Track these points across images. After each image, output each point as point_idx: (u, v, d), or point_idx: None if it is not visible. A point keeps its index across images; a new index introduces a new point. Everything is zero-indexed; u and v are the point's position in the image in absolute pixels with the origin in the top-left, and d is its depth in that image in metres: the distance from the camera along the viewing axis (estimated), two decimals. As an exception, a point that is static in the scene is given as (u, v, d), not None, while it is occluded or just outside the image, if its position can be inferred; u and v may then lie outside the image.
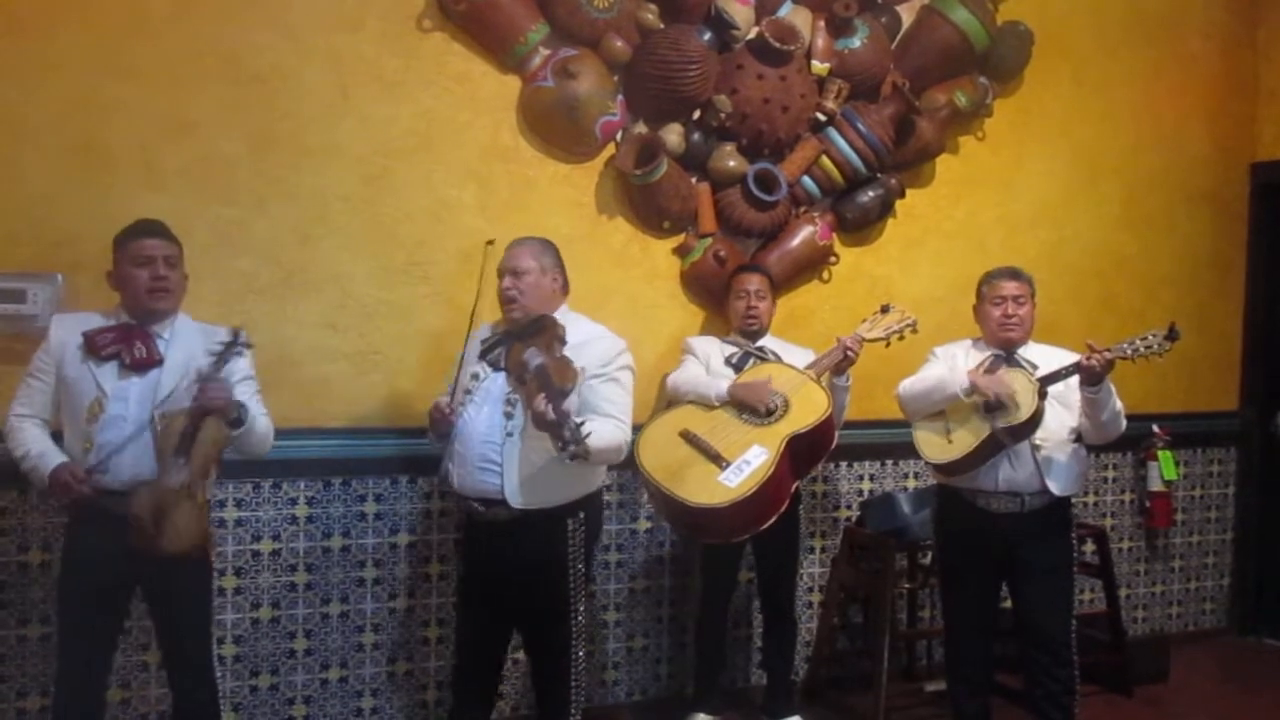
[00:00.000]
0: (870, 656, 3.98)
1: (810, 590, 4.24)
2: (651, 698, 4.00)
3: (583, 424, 2.61)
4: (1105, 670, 4.24)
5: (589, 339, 2.96)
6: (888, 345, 3.63)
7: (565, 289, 3.08)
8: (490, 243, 3.14)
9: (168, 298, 2.77)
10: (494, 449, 2.88)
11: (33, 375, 2.77)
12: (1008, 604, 3.51)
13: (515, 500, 2.86)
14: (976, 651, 3.42)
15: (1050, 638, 3.28)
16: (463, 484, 2.95)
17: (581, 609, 3.00)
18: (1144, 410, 4.61)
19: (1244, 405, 5.08)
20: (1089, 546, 4.31)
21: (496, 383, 2.94)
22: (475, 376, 2.99)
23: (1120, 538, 4.81)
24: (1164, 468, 4.73)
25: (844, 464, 4.28)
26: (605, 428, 2.84)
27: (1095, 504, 4.76)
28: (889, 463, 4.36)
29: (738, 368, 3.57)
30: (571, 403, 2.76)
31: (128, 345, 2.71)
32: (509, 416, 2.88)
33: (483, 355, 3.01)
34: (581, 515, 2.97)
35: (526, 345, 2.78)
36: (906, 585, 4.17)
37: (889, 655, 3.83)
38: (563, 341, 2.82)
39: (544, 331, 2.82)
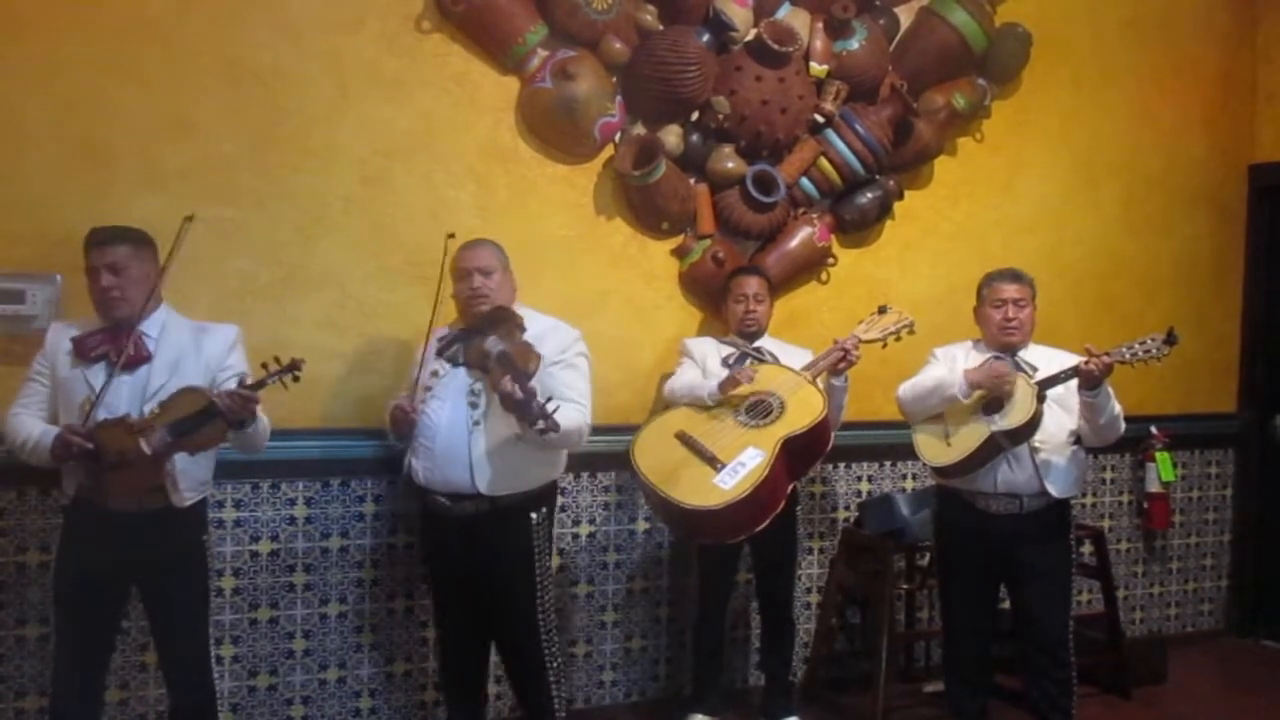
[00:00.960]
0: (868, 657, 3.99)
1: (808, 591, 4.24)
2: (649, 698, 4.00)
3: (549, 401, 2.76)
4: (1103, 671, 4.25)
5: (546, 330, 3.10)
6: (884, 346, 3.63)
7: (515, 288, 3.22)
8: (451, 236, 3.19)
9: (119, 304, 2.74)
10: (461, 440, 2.97)
11: (31, 378, 2.82)
12: (1006, 605, 3.52)
13: (485, 488, 2.95)
14: (975, 652, 3.43)
15: (1048, 639, 3.29)
16: (429, 479, 3.03)
17: (550, 602, 3.09)
18: (1142, 412, 4.61)
19: (1242, 407, 5.09)
20: (1087, 547, 4.31)
21: (457, 378, 3.05)
22: (435, 374, 3.08)
23: (1118, 539, 4.81)
24: (1162, 469, 4.73)
25: (842, 465, 4.28)
26: (567, 410, 2.95)
27: (1093, 505, 4.76)
28: (887, 464, 4.36)
29: (734, 369, 3.57)
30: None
31: (115, 345, 2.72)
32: (474, 407, 2.99)
33: (440, 353, 3.10)
34: (544, 509, 3.09)
35: (485, 337, 2.92)
36: (905, 586, 4.17)
37: (887, 656, 3.84)
38: (522, 329, 2.98)
39: (503, 322, 2.97)
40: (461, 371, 3.04)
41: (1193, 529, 5.01)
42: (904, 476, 4.38)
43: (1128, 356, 3.08)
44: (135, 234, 2.81)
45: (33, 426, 2.72)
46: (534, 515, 3.05)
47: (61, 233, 3.17)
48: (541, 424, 2.73)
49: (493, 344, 2.89)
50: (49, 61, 3.18)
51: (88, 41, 3.21)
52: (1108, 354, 3.06)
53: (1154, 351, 3.07)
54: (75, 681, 2.76)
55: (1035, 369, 3.27)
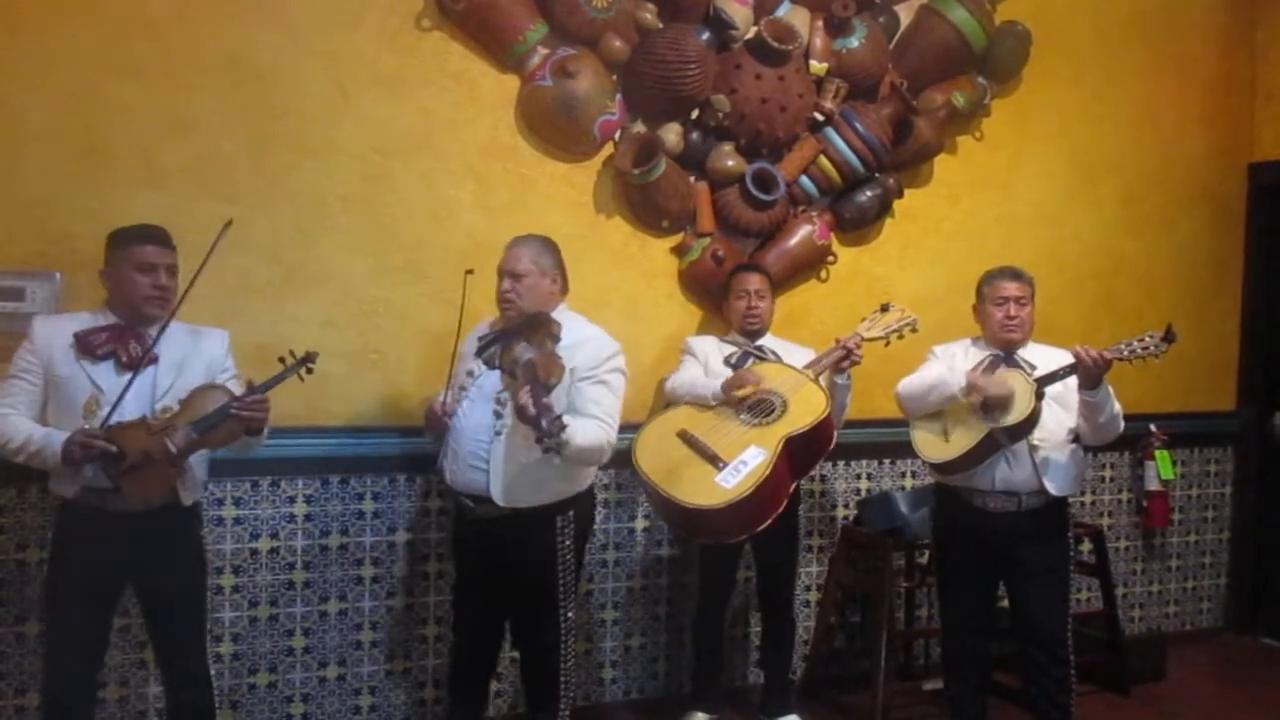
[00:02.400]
0: (868, 655, 3.99)
1: (808, 589, 4.25)
2: (649, 696, 4.00)
3: (560, 417, 2.64)
4: (1102, 669, 4.25)
5: (583, 340, 3.00)
6: (887, 344, 3.63)
7: (564, 289, 3.11)
8: (470, 272, 3.11)
9: (165, 306, 2.76)
10: (483, 446, 2.93)
11: (17, 375, 2.71)
12: (1005, 603, 3.52)
13: (500, 498, 2.91)
14: (974, 650, 3.42)
15: (1047, 637, 3.29)
16: (454, 480, 3.01)
17: (571, 606, 3.04)
18: (1141, 410, 4.61)
19: (1241, 405, 5.09)
20: (1086, 546, 4.32)
21: (489, 380, 2.99)
22: (471, 374, 3.04)
23: (1117, 537, 4.81)
24: (1161, 467, 4.73)
25: (841, 463, 4.28)
26: (588, 427, 2.87)
27: (1092, 503, 4.76)
28: (886, 462, 4.36)
29: (736, 368, 3.56)
30: (559, 401, 2.80)
31: (122, 344, 2.71)
32: (498, 415, 2.94)
33: (479, 353, 3.04)
34: (570, 513, 3.01)
35: (520, 341, 2.83)
36: (904, 584, 4.18)
37: (886, 654, 3.83)
38: (556, 339, 2.85)
39: (539, 328, 2.86)
40: (495, 375, 2.97)
41: (1192, 527, 5.02)
42: (903, 474, 4.38)
43: (1126, 354, 3.07)
44: None
45: (30, 428, 2.65)
46: (559, 519, 2.99)
47: (60, 230, 3.18)
48: (547, 442, 2.62)
49: (523, 350, 2.80)
50: (48, 59, 3.18)
51: (86, 39, 3.21)
52: (1106, 351, 3.06)
53: (1152, 349, 3.06)
54: (71, 680, 2.74)
55: (1034, 367, 3.26)
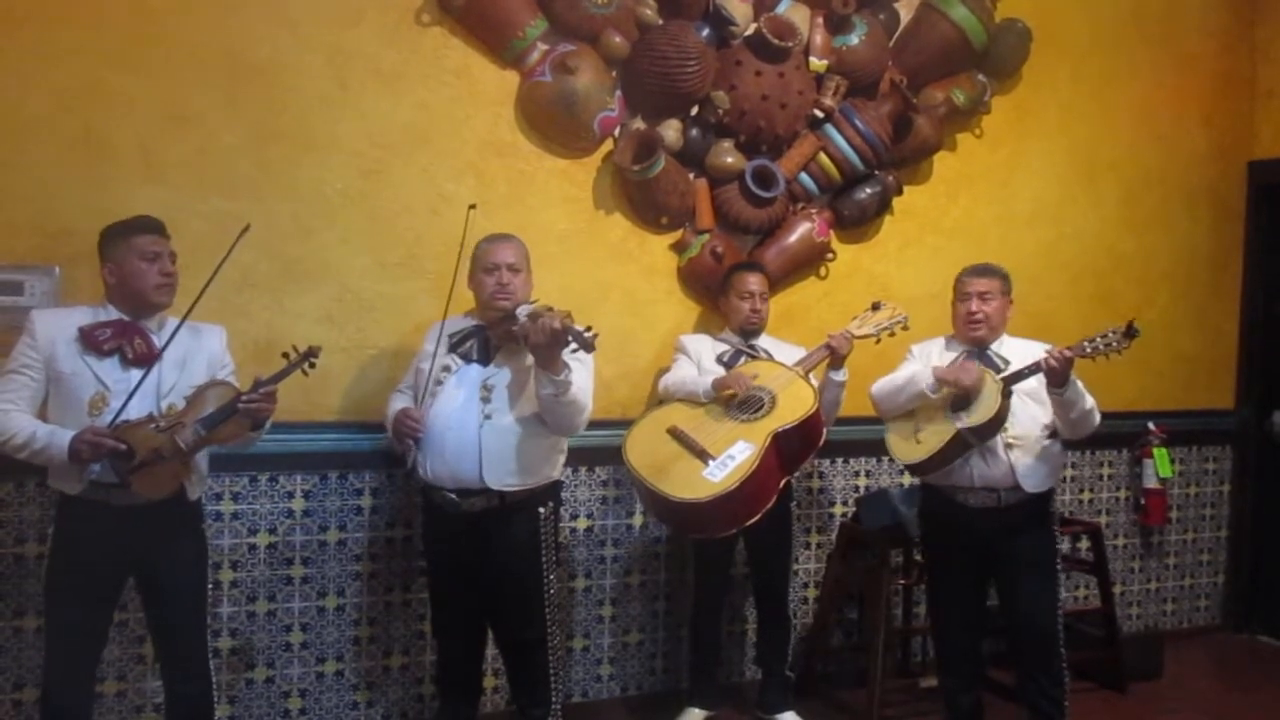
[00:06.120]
0: (865, 652, 4.00)
1: (806, 586, 4.25)
2: (646, 693, 4.01)
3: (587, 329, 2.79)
4: (1099, 666, 4.26)
5: None
6: (878, 342, 3.63)
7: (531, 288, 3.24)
8: (473, 207, 3.22)
9: (173, 293, 2.77)
10: (471, 435, 2.97)
11: (17, 370, 2.66)
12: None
13: (494, 482, 2.95)
14: (966, 646, 3.43)
15: (1037, 632, 3.29)
16: (437, 475, 3.02)
17: (554, 596, 3.11)
18: (1139, 408, 4.62)
19: (1240, 403, 5.09)
20: (1084, 543, 4.32)
21: (470, 373, 3.05)
22: (447, 369, 3.07)
23: (1115, 534, 4.82)
24: (1159, 465, 4.74)
25: (839, 460, 4.29)
26: (578, 376, 2.99)
27: (1090, 501, 4.77)
28: (885, 459, 4.36)
29: (729, 366, 3.57)
30: (527, 384, 2.96)
31: (127, 340, 2.70)
32: (485, 401, 3.00)
33: (453, 348, 3.08)
34: (551, 504, 3.10)
35: (509, 324, 2.99)
36: (901, 581, 4.18)
37: (883, 651, 3.84)
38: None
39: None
40: (475, 367, 3.06)
41: (1189, 525, 5.02)
42: (901, 472, 4.38)
43: (1089, 350, 3.04)
44: None
45: (33, 425, 2.62)
46: (542, 510, 3.07)
47: (60, 225, 3.18)
48: (587, 336, 2.75)
49: (521, 312, 2.95)
50: (48, 53, 3.17)
51: (87, 33, 3.20)
52: (1069, 349, 3.04)
53: (1114, 345, 3.02)
54: (69, 674, 2.74)
55: (1008, 362, 3.26)
